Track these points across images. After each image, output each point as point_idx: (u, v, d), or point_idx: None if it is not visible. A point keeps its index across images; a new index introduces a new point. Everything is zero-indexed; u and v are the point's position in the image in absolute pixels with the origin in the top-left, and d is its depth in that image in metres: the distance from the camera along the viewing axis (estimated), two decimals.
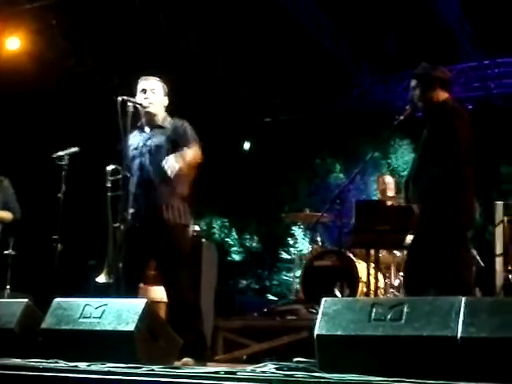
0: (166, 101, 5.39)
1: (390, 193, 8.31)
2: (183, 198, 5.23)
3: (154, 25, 10.25)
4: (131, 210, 5.08)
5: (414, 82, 5.38)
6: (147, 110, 5.25)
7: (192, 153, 5.06)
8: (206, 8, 10.10)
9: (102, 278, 5.05)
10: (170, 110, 5.45)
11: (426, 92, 5.29)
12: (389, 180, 8.52)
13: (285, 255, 14.11)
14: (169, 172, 4.90)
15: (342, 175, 14.31)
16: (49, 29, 10.22)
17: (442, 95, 5.29)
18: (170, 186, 5.10)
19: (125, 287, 4.90)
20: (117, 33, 10.27)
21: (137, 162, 5.24)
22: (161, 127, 5.29)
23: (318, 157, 14.64)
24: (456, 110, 5.21)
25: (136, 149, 5.27)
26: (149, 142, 5.23)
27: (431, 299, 3.31)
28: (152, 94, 5.29)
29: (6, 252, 7.98)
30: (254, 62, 11.57)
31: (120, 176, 5.16)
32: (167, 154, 5.06)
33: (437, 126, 5.14)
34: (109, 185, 5.21)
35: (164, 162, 4.95)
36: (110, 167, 5.20)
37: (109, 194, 5.20)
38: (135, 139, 5.33)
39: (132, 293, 4.98)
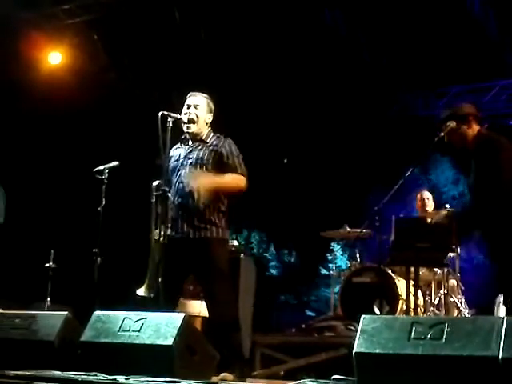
0: (209, 117, 5.37)
1: (429, 208, 8.26)
2: (222, 212, 5.24)
3: (195, 40, 10.30)
4: (170, 224, 5.09)
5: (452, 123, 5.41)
6: (187, 126, 5.27)
7: (232, 179, 5.11)
8: (248, 23, 10.12)
9: (142, 292, 5.05)
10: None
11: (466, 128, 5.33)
12: (427, 195, 8.47)
13: (323, 271, 14.04)
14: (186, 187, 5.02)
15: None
16: (90, 44, 10.34)
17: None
18: (210, 200, 5.11)
19: (164, 301, 4.90)
20: (157, 48, 10.34)
21: (177, 174, 5.25)
22: (204, 141, 5.28)
23: (357, 172, 14.55)
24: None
25: (177, 160, 5.29)
26: (191, 155, 5.23)
27: (472, 319, 3.26)
28: (195, 110, 5.30)
29: (46, 265, 8.06)
30: (294, 74, 11.56)
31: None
32: (209, 167, 5.11)
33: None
34: (154, 200, 5.18)
35: (187, 177, 5.03)
36: (155, 182, 5.19)
37: (154, 209, 5.19)
38: (177, 151, 5.35)
39: (171, 307, 4.99)
